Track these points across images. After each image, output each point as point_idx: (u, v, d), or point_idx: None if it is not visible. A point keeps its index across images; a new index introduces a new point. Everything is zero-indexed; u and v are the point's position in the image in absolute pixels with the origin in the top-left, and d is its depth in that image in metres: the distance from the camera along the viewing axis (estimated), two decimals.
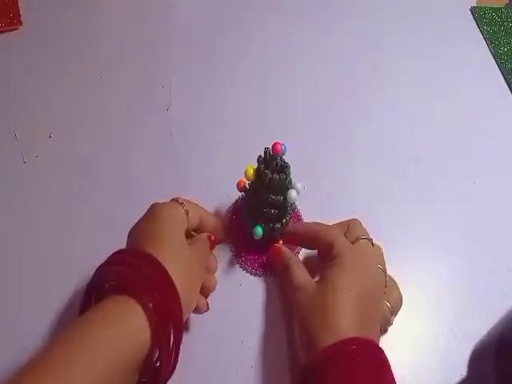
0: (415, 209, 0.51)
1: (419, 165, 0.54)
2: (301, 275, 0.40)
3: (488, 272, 0.47)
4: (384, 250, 0.43)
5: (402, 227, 0.50)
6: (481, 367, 0.22)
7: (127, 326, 0.31)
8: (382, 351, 0.34)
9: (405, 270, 0.47)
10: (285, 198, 0.42)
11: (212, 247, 0.43)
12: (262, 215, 0.43)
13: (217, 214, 0.49)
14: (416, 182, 0.53)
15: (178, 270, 0.35)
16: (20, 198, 0.50)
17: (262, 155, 0.42)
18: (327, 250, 0.40)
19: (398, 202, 0.51)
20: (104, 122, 0.56)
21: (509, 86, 0.62)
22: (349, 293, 0.36)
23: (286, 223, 0.45)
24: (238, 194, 0.49)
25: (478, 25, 0.69)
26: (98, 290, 0.34)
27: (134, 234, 0.38)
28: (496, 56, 0.65)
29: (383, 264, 0.41)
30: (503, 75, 0.63)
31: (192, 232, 0.43)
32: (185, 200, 0.41)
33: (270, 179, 0.41)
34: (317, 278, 0.41)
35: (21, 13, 0.65)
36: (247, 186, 0.44)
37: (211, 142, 0.55)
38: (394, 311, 0.40)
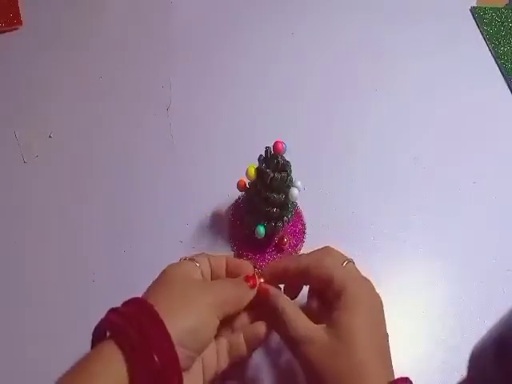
0: (415, 208, 0.51)
1: (419, 164, 0.54)
2: (299, 323, 0.34)
3: (488, 272, 0.47)
4: (384, 250, 0.43)
5: (402, 227, 0.50)
6: (481, 367, 0.22)
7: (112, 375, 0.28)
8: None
9: (404, 269, 0.47)
10: (286, 196, 0.42)
11: (253, 284, 0.36)
12: (264, 214, 0.43)
13: (216, 213, 0.49)
14: (416, 181, 0.53)
15: (178, 308, 0.31)
16: (20, 197, 0.50)
17: (263, 154, 0.42)
18: (326, 284, 0.35)
19: (398, 202, 0.51)
20: (104, 121, 0.56)
21: (509, 86, 0.62)
22: (369, 337, 0.32)
23: (288, 221, 0.45)
24: (238, 194, 0.49)
25: (477, 25, 0.69)
26: (100, 337, 0.32)
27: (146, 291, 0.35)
28: (496, 56, 0.65)
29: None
30: (503, 75, 0.63)
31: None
32: (193, 256, 0.38)
33: (272, 178, 0.41)
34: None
35: (21, 13, 0.65)
36: (247, 185, 0.44)
37: (211, 142, 0.55)
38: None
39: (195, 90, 0.59)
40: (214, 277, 0.38)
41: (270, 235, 0.45)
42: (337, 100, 0.60)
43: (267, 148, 0.42)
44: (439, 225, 0.50)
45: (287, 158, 0.43)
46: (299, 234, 0.48)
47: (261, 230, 0.43)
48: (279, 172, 0.41)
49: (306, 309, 0.37)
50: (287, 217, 0.44)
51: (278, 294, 0.37)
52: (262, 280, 0.38)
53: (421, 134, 0.57)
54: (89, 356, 0.29)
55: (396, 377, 0.32)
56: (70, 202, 0.50)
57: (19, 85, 0.59)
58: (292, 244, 0.47)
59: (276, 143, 0.41)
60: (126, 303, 0.32)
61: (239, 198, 0.49)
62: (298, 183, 0.43)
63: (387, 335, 0.35)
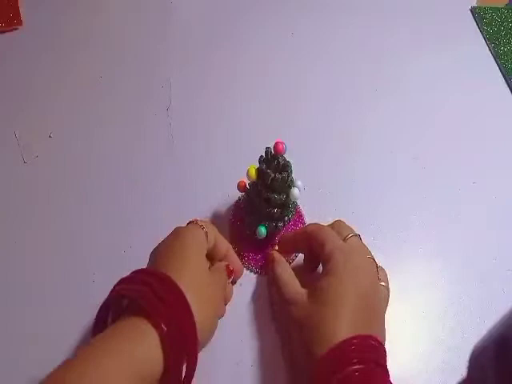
0: (415, 208, 0.51)
1: (419, 165, 0.54)
2: (291, 286, 0.40)
3: (488, 272, 0.47)
4: (384, 250, 0.43)
5: (402, 227, 0.50)
6: (481, 367, 0.22)
7: (141, 350, 0.31)
8: (378, 344, 0.34)
9: (404, 269, 0.47)
10: (287, 197, 0.42)
11: (229, 277, 0.42)
12: (265, 215, 0.43)
13: (217, 214, 0.49)
14: (416, 181, 0.53)
15: (198, 296, 0.34)
16: (20, 197, 0.50)
17: (263, 155, 0.42)
18: (319, 249, 0.40)
19: (398, 202, 0.51)
20: (104, 122, 0.56)
21: (509, 86, 0.62)
22: (343, 300, 0.35)
23: (289, 221, 0.45)
24: (239, 194, 0.49)
25: (478, 25, 0.69)
26: (116, 305, 0.34)
27: (157, 253, 0.38)
28: (496, 56, 0.65)
29: (370, 253, 0.41)
30: (503, 75, 0.63)
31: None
32: (203, 222, 0.41)
33: (273, 179, 0.41)
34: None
35: (21, 13, 0.65)
36: (248, 186, 0.44)
37: (211, 142, 0.55)
38: (387, 285, 0.40)
39: (195, 90, 0.59)
40: (208, 255, 0.41)
41: (270, 235, 0.45)
42: (337, 100, 0.60)
43: (267, 149, 0.42)
44: (439, 225, 0.50)
45: (287, 159, 0.43)
46: None
47: (262, 230, 0.43)
48: (280, 172, 0.41)
49: (301, 274, 0.42)
50: (288, 217, 0.44)
51: (279, 260, 0.43)
52: (276, 247, 0.45)
53: (421, 133, 0.57)
54: (123, 329, 0.32)
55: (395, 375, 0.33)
56: (69, 201, 0.50)
57: (19, 85, 0.59)
58: None
59: (276, 144, 0.41)
60: (158, 280, 0.33)
61: (239, 199, 0.49)
62: (299, 183, 0.44)
63: (379, 303, 0.38)
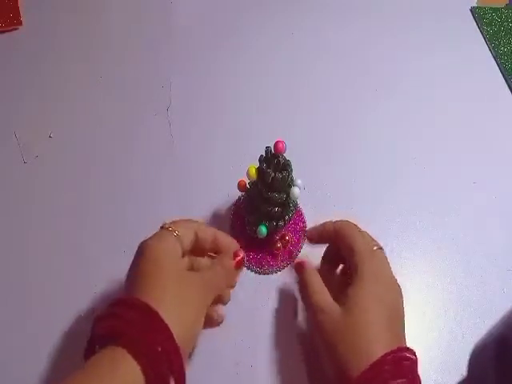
0: (415, 208, 0.51)
1: (419, 164, 0.54)
2: (322, 296, 0.38)
3: (488, 272, 0.47)
4: (384, 250, 0.43)
5: (402, 227, 0.50)
6: (481, 367, 0.22)
7: (122, 379, 0.30)
8: (411, 355, 0.34)
9: (404, 269, 0.47)
10: (288, 196, 0.42)
11: (237, 267, 0.40)
12: (265, 214, 0.43)
13: (217, 213, 0.49)
14: (416, 181, 0.53)
15: (174, 309, 0.33)
16: (20, 197, 0.50)
17: (264, 154, 0.42)
18: (348, 252, 0.39)
19: (398, 202, 0.51)
20: (104, 122, 0.56)
21: (509, 85, 0.62)
22: (376, 313, 0.35)
23: (289, 220, 0.45)
24: (239, 194, 0.49)
25: (478, 25, 0.69)
26: (99, 342, 0.33)
27: (128, 278, 0.36)
28: (496, 56, 0.65)
29: None
30: (503, 75, 0.63)
31: (211, 254, 0.42)
32: (174, 222, 0.38)
33: (273, 178, 0.41)
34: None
35: (21, 13, 0.65)
36: (248, 185, 0.44)
37: (211, 142, 0.55)
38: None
39: (195, 90, 0.59)
40: (196, 250, 0.39)
41: (271, 234, 0.45)
42: (337, 100, 0.60)
43: (268, 148, 0.42)
44: (439, 225, 0.50)
45: (287, 158, 0.43)
46: (300, 232, 0.48)
47: (263, 230, 0.43)
48: (280, 172, 0.41)
49: (330, 283, 0.40)
50: (289, 216, 0.44)
51: (309, 267, 0.41)
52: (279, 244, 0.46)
53: (421, 133, 0.57)
54: (99, 361, 0.30)
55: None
56: (69, 202, 0.50)
57: (19, 85, 0.59)
58: (294, 242, 0.47)
59: (277, 143, 0.41)
60: (126, 307, 0.32)
61: (239, 198, 0.49)
62: (299, 181, 0.44)
63: (403, 314, 0.37)
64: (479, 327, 0.44)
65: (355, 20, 0.68)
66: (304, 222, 0.49)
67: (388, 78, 0.62)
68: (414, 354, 0.35)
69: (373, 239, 0.41)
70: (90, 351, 0.32)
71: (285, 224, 0.44)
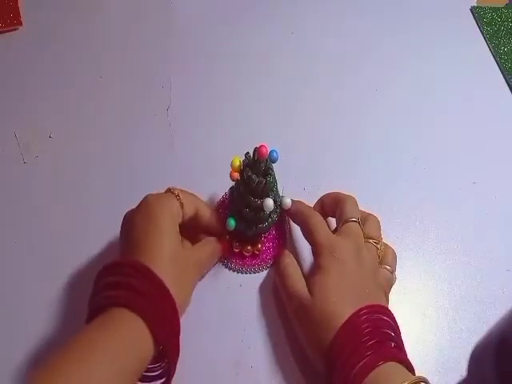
0: (415, 209, 0.51)
1: (419, 165, 0.54)
2: (294, 282, 0.40)
3: (488, 272, 0.47)
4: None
5: (402, 227, 0.50)
6: (481, 367, 0.22)
7: (131, 337, 0.31)
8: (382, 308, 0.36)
9: (404, 269, 0.47)
10: (262, 203, 0.41)
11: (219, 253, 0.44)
12: (239, 213, 0.43)
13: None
14: (416, 181, 0.53)
15: (173, 274, 0.35)
16: (20, 197, 0.50)
17: (250, 153, 0.42)
18: (309, 238, 0.41)
19: (398, 202, 0.51)
20: (104, 122, 0.56)
21: (509, 85, 0.62)
22: (334, 296, 0.37)
23: (270, 225, 0.44)
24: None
25: (477, 25, 0.69)
26: (101, 310, 0.34)
27: (127, 231, 0.38)
28: (496, 56, 0.65)
29: (376, 233, 0.42)
30: (503, 75, 0.63)
31: (202, 235, 0.44)
32: (180, 191, 0.41)
33: (249, 178, 0.40)
34: None
35: (21, 13, 0.65)
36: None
37: (211, 142, 0.55)
38: (393, 269, 0.42)
39: (195, 90, 0.59)
40: (189, 220, 0.41)
41: (252, 237, 0.45)
42: (336, 100, 0.60)
43: (253, 152, 0.41)
44: (439, 225, 0.50)
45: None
46: (279, 240, 0.47)
47: (231, 222, 0.42)
48: (261, 176, 0.41)
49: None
50: (271, 219, 0.44)
51: (288, 254, 0.44)
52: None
53: (421, 133, 0.57)
54: (103, 321, 0.32)
55: None
56: (69, 202, 0.50)
57: (19, 85, 0.59)
58: (265, 250, 0.47)
59: (260, 147, 0.39)
60: (127, 271, 0.34)
61: (223, 197, 0.49)
62: (287, 200, 0.43)
63: (376, 285, 0.39)
64: (479, 327, 0.44)
65: (355, 20, 0.68)
66: (285, 233, 0.48)
67: (388, 77, 0.62)
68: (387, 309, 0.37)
69: (350, 211, 0.42)
70: (92, 316, 0.33)
71: (266, 226, 0.43)
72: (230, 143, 0.55)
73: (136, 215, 0.38)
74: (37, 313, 0.43)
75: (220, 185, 0.50)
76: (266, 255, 0.46)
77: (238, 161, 0.41)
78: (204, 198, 0.50)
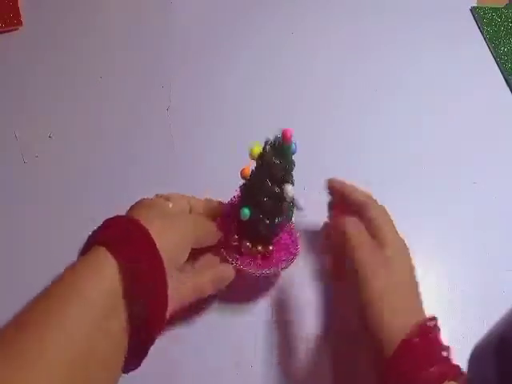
0: (415, 209, 0.51)
1: (419, 165, 0.54)
2: (361, 247, 0.38)
3: (488, 272, 0.47)
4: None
5: (402, 227, 0.50)
6: (481, 367, 0.22)
7: (99, 277, 0.30)
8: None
9: None
10: (282, 191, 0.39)
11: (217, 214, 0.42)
12: (254, 202, 0.40)
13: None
14: (416, 181, 0.53)
15: (161, 227, 0.34)
16: (20, 197, 0.50)
17: (271, 139, 0.40)
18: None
19: (398, 202, 0.51)
20: (104, 122, 0.56)
21: (509, 85, 0.62)
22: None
23: (287, 220, 0.42)
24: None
25: (478, 25, 0.69)
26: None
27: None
28: (496, 56, 0.65)
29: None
30: (503, 75, 0.63)
31: None
32: (168, 194, 0.41)
33: (273, 164, 0.38)
34: None
35: (21, 13, 0.65)
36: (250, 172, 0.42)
37: (211, 142, 0.55)
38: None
39: (195, 90, 0.59)
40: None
41: (266, 235, 0.41)
42: (336, 100, 0.60)
43: (277, 136, 0.39)
44: (439, 225, 0.50)
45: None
46: (286, 249, 0.44)
47: (245, 211, 0.39)
48: (283, 158, 0.39)
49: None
50: (279, 218, 0.40)
51: (349, 220, 0.40)
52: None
53: (421, 133, 0.57)
54: (79, 262, 0.32)
55: None
56: (69, 202, 0.50)
57: (19, 85, 0.59)
58: (273, 255, 0.43)
59: (286, 131, 0.38)
60: (117, 218, 0.34)
61: (231, 200, 0.45)
62: (301, 203, 0.43)
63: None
64: (479, 327, 0.44)
65: (355, 20, 0.68)
66: (293, 238, 0.45)
67: (388, 78, 0.62)
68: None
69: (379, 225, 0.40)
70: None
71: (277, 223, 0.40)
72: (230, 143, 0.55)
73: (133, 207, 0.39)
74: None
75: (221, 185, 0.50)
76: (278, 259, 0.42)
77: (258, 148, 0.39)
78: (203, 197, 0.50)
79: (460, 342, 0.43)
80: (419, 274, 0.47)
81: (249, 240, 0.41)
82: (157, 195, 0.40)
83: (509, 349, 0.19)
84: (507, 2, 0.75)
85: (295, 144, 0.39)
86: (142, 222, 0.33)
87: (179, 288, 0.35)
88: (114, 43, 0.64)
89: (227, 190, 0.49)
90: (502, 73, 0.63)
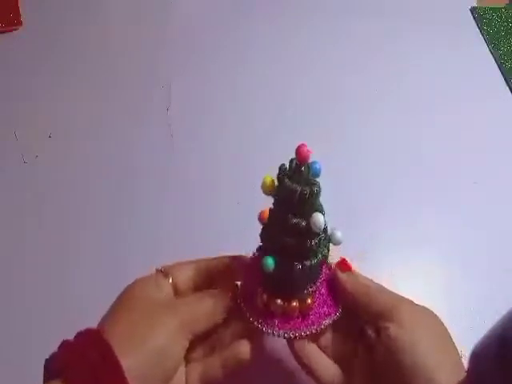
0: (415, 209, 0.51)
1: (419, 165, 0.54)
2: (381, 299, 0.32)
3: (488, 272, 0.47)
4: (384, 251, 0.43)
5: (402, 227, 0.50)
6: (481, 367, 0.22)
7: None
8: None
9: (404, 270, 0.47)
10: (309, 223, 0.30)
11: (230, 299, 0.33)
12: (277, 246, 0.31)
13: (217, 214, 0.49)
14: (416, 181, 0.53)
15: (132, 344, 0.28)
16: (20, 197, 0.50)
17: (286, 165, 0.31)
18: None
19: (398, 202, 0.51)
20: (104, 122, 0.56)
21: (509, 85, 0.62)
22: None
23: (313, 267, 0.31)
24: (236, 198, 0.49)
25: (477, 25, 0.69)
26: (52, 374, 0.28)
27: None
28: (496, 56, 0.65)
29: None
30: (503, 75, 0.63)
31: None
32: (169, 265, 0.34)
33: (288, 189, 0.29)
34: None
35: (21, 13, 0.65)
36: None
37: (211, 142, 0.55)
38: None
39: (195, 90, 0.59)
40: (203, 285, 0.34)
41: (297, 282, 0.32)
42: (336, 101, 0.60)
43: (292, 160, 0.31)
44: (439, 225, 0.50)
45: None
46: (327, 299, 0.34)
47: (269, 261, 0.30)
48: (309, 186, 0.30)
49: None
50: (321, 253, 0.32)
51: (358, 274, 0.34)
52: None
53: (421, 134, 0.57)
54: None
55: None
56: (69, 202, 0.50)
57: (19, 85, 0.59)
58: (315, 311, 0.34)
59: (300, 148, 0.30)
60: (78, 335, 0.28)
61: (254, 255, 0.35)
62: (338, 234, 0.33)
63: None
64: (479, 327, 0.44)
65: (355, 21, 0.68)
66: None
67: (388, 78, 0.62)
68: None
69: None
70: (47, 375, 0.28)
71: (315, 263, 0.31)
72: (231, 143, 0.55)
73: (114, 305, 0.32)
74: (35, 313, 0.43)
75: (221, 185, 0.50)
76: (320, 314, 0.33)
77: (270, 178, 0.31)
78: (205, 199, 0.50)
79: (460, 342, 0.43)
80: (418, 273, 0.47)
81: (280, 297, 0.32)
82: (156, 270, 0.34)
83: (509, 349, 0.19)
84: (507, 2, 0.75)
85: (318, 164, 0.31)
86: (115, 338, 0.27)
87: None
88: (114, 43, 0.64)
89: (228, 190, 0.49)
90: (502, 73, 0.63)
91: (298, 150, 0.30)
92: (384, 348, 0.30)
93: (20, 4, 0.65)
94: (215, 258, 0.35)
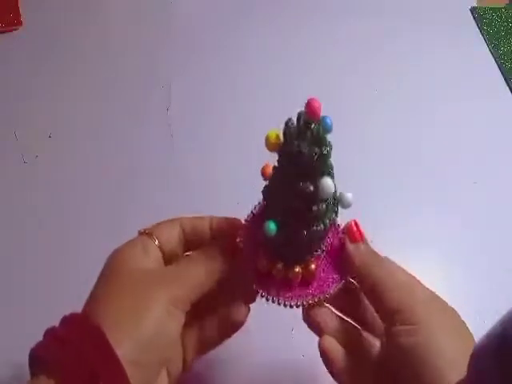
0: (415, 208, 0.51)
1: (419, 165, 0.54)
2: (395, 294, 0.32)
3: (488, 272, 0.47)
4: (384, 251, 0.42)
5: (402, 227, 0.50)
6: (481, 367, 0.22)
7: None
8: None
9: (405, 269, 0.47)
10: (317, 189, 0.27)
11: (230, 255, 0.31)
12: (281, 209, 0.29)
13: (217, 214, 0.49)
14: (416, 181, 0.53)
15: (125, 322, 0.26)
16: (20, 197, 0.50)
17: (292, 121, 0.29)
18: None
19: (398, 202, 0.51)
20: (104, 122, 0.56)
21: (509, 85, 0.62)
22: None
23: (319, 232, 0.29)
24: (237, 196, 0.49)
25: (478, 25, 0.69)
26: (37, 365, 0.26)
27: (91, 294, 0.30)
28: (496, 56, 0.65)
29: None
30: (503, 75, 0.63)
31: None
32: (154, 225, 0.33)
33: (296, 150, 0.26)
34: None
35: (21, 13, 0.65)
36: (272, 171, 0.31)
37: (211, 142, 0.55)
38: None
39: (195, 91, 0.59)
40: (191, 246, 0.33)
41: (303, 250, 0.30)
42: (336, 100, 0.59)
43: (300, 112, 0.28)
44: (439, 225, 0.50)
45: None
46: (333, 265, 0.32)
47: (271, 225, 0.28)
48: (319, 147, 0.27)
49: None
50: (328, 219, 0.30)
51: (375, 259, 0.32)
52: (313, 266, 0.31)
53: (421, 134, 0.57)
54: None
55: None
56: (69, 202, 0.50)
57: (19, 85, 0.59)
58: (321, 277, 0.32)
59: (310, 101, 0.27)
60: (64, 322, 0.27)
61: (251, 214, 0.35)
62: (348, 195, 0.31)
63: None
64: (479, 327, 0.44)
65: (355, 21, 0.68)
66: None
67: (388, 78, 0.62)
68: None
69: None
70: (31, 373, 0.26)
71: (323, 229, 0.29)
72: (230, 143, 0.55)
73: (99, 278, 0.31)
74: (35, 313, 0.43)
75: (221, 185, 0.50)
76: (324, 280, 0.32)
77: (275, 133, 0.29)
78: (205, 200, 0.50)
79: None
80: (418, 273, 0.47)
81: (281, 261, 0.30)
82: (140, 232, 0.33)
83: (509, 349, 0.19)
84: (507, 2, 0.75)
85: (329, 118, 0.28)
86: (104, 323, 0.26)
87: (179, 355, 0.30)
88: (114, 43, 0.64)
89: (228, 190, 0.49)
90: (502, 73, 0.63)
91: (309, 105, 0.26)
92: (394, 345, 0.30)
93: (20, 4, 0.65)
94: (200, 217, 0.33)
